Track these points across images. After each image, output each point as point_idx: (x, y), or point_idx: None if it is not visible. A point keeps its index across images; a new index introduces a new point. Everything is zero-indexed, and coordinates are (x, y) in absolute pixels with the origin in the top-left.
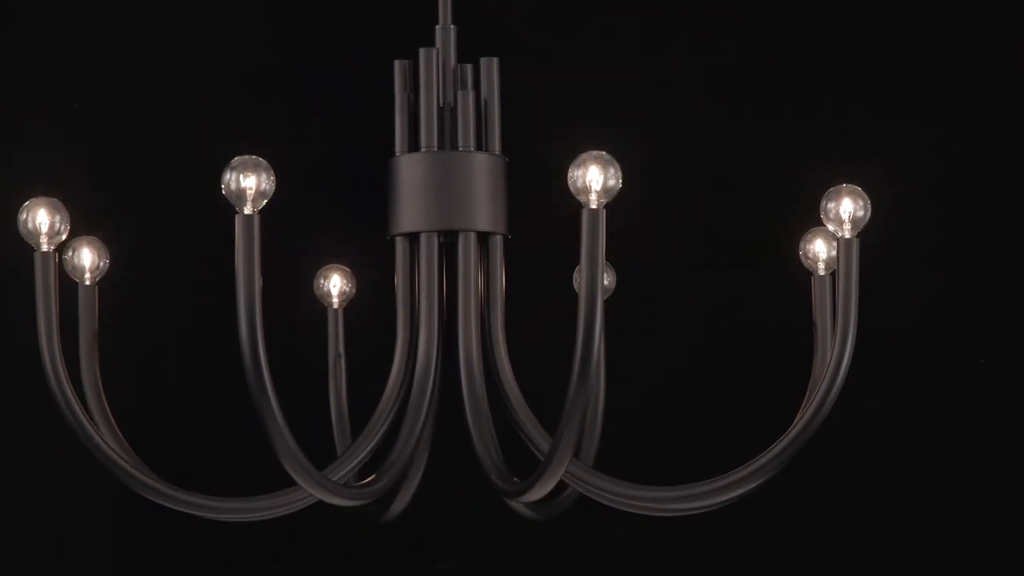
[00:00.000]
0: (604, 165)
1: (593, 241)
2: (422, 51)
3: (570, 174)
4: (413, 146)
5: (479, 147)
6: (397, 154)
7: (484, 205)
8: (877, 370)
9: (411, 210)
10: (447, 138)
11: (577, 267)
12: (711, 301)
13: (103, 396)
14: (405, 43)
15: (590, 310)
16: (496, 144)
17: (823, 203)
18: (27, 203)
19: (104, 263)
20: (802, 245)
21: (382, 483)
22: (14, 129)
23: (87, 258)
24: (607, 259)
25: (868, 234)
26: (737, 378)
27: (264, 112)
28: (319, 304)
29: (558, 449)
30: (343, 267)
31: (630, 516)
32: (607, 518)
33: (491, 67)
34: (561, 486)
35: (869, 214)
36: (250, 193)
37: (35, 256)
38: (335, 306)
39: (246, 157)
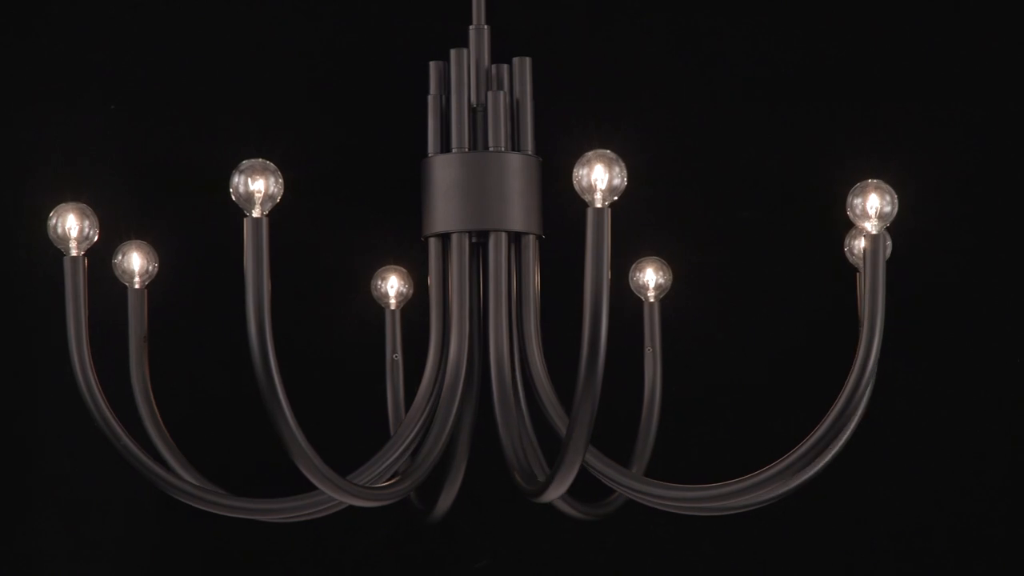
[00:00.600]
0: (609, 164)
1: (599, 240)
2: (453, 52)
3: (575, 173)
4: (446, 147)
5: (512, 147)
6: (430, 155)
7: (516, 205)
8: (906, 369)
9: (443, 211)
10: (480, 138)
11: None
12: (757, 299)
13: (152, 397)
14: (442, 43)
15: (595, 309)
16: (529, 144)
17: (849, 198)
18: (56, 208)
19: (153, 267)
20: (848, 242)
21: (405, 484)
22: (62, 132)
23: (136, 262)
24: (658, 257)
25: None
26: (780, 378)
27: (306, 114)
28: (376, 305)
29: (568, 450)
30: (400, 268)
31: (670, 516)
32: (650, 518)
33: (524, 67)
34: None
35: (896, 209)
36: (258, 196)
37: (64, 261)
38: (392, 307)
39: (254, 160)
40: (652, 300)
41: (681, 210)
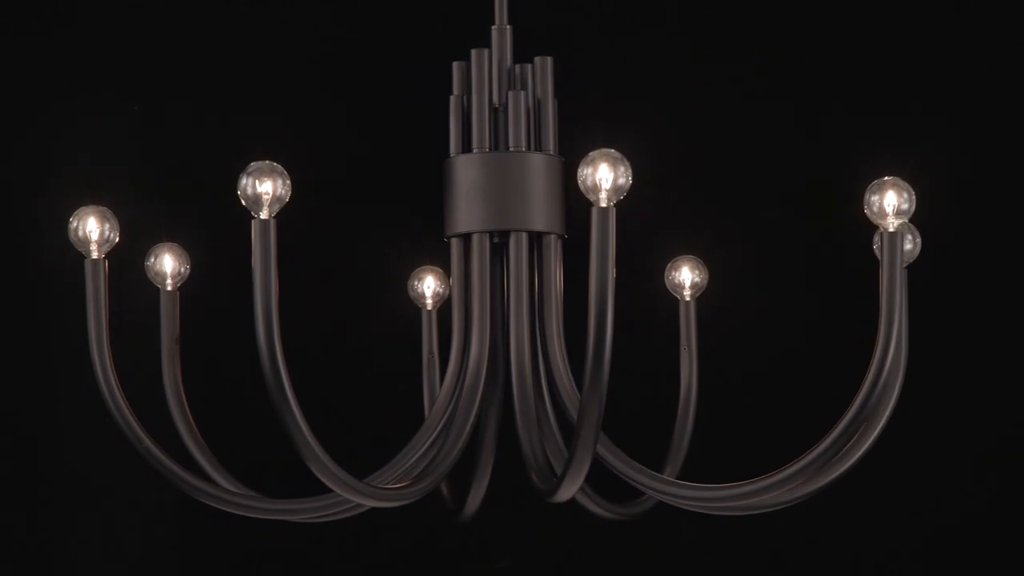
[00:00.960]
0: (614, 163)
1: (603, 240)
2: (474, 52)
3: (579, 172)
4: (468, 147)
5: (534, 147)
6: (452, 155)
7: (538, 205)
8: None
9: (465, 211)
10: (502, 139)
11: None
12: (785, 301)
13: (184, 398)
14: (466, 44)
15: (600, 310)
16: (551, 144)
17: (866, 196)
18: (77, 212)
19: (185, 269)
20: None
21: (421, 485)
22: (85, 134)
23: (168, 264)
24: (698, 256)
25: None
26: (809, 376)
27: (331, 115)
28: (413, 305)
29: (577, 449)
30: (437, 268)
31: (698, 516)
32: (680, 518)
33: (545, 66)
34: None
35: (914, 207)
36: (266, 198)
37: (85, 263)
38: (429, 307)
39: (262, 163)
40: (688, 299)
41: (704, 209)
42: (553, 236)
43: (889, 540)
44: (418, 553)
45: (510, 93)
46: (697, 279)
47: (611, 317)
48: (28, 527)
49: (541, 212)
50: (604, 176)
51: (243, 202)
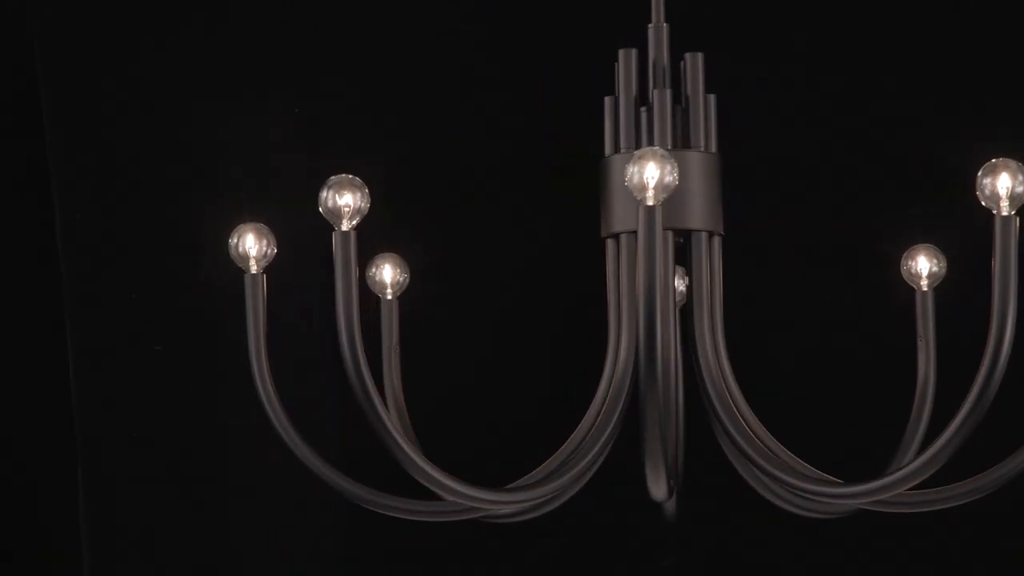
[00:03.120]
0: (661, 161)
1: (650, 239)
2: (621, 52)
3: (627, 170)
4: (628, 146)
5: (690, 145)
6: (607, 155)
7: (694, 203)
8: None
9: (620, 211)
10: (657, 138)
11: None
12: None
13: (403, 404)
14: (622, 43)
15: (650, 311)
16: (712, 142)
17: (979, 178)
18: (236, 229)
19: (404, 278)
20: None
21: (550, 486)
22: (248, 139)
23: (388, 274)
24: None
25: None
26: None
27: (486, 116)
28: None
29: (647, 452)
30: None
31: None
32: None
33: (697, 63)
34: None
35: None
36: (347, 210)
37: (245, 278)
38: (389, 297)
39: (342, 176)
40: (925, 289)
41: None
42: (710, 234)
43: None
44: (577, 551)
45: (655, 91)
46: (935, 268)
47: (660, 316)
48: (191, 531)
49: (698, 210)
50: (651, 174)
51: (323, 214)
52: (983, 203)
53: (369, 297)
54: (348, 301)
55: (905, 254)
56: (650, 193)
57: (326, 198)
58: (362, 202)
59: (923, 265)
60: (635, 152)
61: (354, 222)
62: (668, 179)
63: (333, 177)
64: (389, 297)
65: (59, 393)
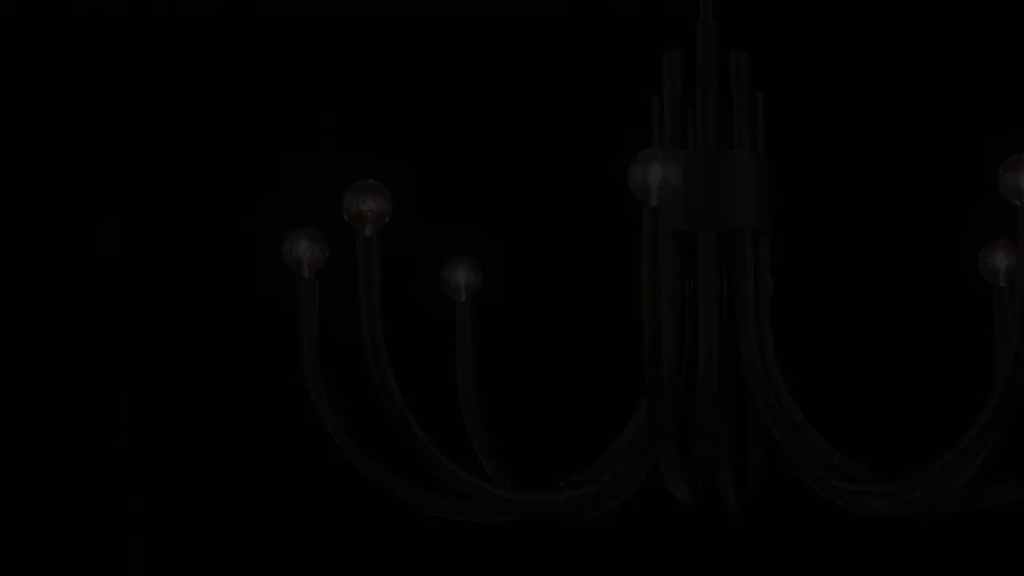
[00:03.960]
0: (664, 162)
1: (652, 241)
2: (665, 54)
3: (630, 171)
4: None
5: (737, 144)
6: None
7: (739, 203)
8: None
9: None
10: (703, 137)
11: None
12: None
13: (477, 407)
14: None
15: (654, 313)
16: (756, 141)
17: (1000, 173)
18: (289, 235)
19: (477, 281)
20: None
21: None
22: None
23: (462, 276)
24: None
25: None
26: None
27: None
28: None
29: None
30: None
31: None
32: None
33: (742, 62)
34: None
35: None
36: (370, 215)
37: (298, 284)
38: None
39: (365, 181)
40: (1003, 285)
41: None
42: (757, 234)
43: None
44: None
45: (710, 91)
46: (1014, 264)
47: (660, 316)
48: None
49: (743, 210)
50: (655, 175)
51: (346, 220)
52: (1006, 198)
53: (441, 300)
54: (371, 308)
55: (983, 250)
56: (654, 195)
57: (349, 204)
58: (385, 207)
59: (1000, 261)
60: (639, 153)
61: (377, 227)
62: (673, 180)
63: (356, 183)
64: (463, 299)
65: None
